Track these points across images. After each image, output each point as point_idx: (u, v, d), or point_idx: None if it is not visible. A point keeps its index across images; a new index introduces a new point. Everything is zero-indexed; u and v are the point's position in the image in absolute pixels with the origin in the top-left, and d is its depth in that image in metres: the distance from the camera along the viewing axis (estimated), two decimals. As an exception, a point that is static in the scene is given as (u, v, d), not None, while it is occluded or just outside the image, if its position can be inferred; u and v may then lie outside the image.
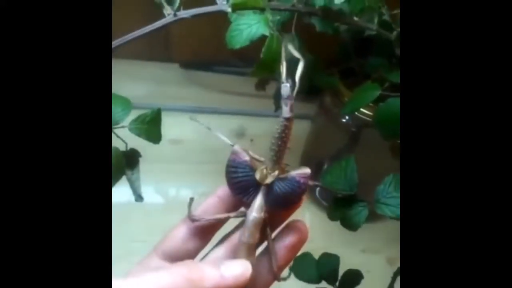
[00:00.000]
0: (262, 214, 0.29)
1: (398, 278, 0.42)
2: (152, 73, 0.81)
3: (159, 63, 0.83)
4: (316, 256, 0.42)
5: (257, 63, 0.34)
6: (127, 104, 0.36)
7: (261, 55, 0.34)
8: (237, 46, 0.35)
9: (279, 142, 0.28)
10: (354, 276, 0.41)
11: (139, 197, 0.39)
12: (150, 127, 0.37)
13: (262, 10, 0.35)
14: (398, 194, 0.35)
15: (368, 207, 0.36)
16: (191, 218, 0.29)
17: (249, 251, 0.28)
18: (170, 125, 0.79)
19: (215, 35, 0.38)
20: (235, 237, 0.30)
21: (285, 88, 0.28)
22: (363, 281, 0.41)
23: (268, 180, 0.29)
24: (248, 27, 0.35)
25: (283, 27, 0.41)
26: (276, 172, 0.29)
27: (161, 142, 0.38)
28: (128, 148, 0.37)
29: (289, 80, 0.28)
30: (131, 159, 0.38)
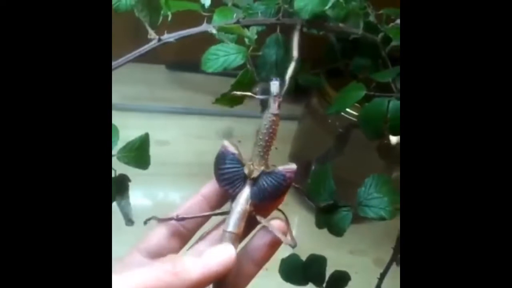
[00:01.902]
0: (248, 207, 0.29)
1: (385, 279, 0.42)
2: (138, 74, 0.80)
3: (145, 64, 0.82)
4: (304, 258, 0.42)
5: (223, 94, 0.35)
6: (115, 133, 0.36)
7: (230, 87, 0.35)
8: (210, 70, 0.36)
9: (266, 138, 0.30)
10: (341, 278, 0.41)
11: (129, 221, 0.38)
12: (138, 153, 0.37)
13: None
14: (380, 195, 0.36)
15: (352, 210, 0.37)
16: (177, 217, 0.30)
17: (232, 240, 0.29)
18: (157, 127, 0.78)
19: (201, 37, 0.38)
20: (216, 233, 0.30)
21: (274, 85, 0.29)
22: (350, 282, 0.41)
23: (255, 174, 0.30)
24: (226, 55, 0.36)
25: (269, 27, 0.40)
26: (262, 167, 0.30)
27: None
28: (117, 174, 0.37)
29: (278, 78, 0.29)
30: (121, 185, 0.38)
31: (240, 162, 0.30)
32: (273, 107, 0.29)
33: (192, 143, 0.74)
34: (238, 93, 0.32)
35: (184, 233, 0.30)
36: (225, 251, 0.26)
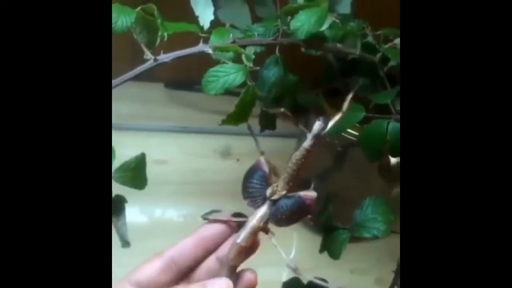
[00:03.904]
0: (261, 224, 0.31)
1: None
2: (136, 92, 0.80)
3: (143, 82, 0.82)
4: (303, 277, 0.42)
5: (229, 114, 0.36)
6: (112, 153, 0.36)
7: (235, 107, 0.35)
8: (212, 92, 0.36)
9: (295, 168, 0.31)
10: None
11: (125, 243, 0.38)
12: (135, 173, 0.36)
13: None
14: (375, 216, 0.37)
15: (349, 232, 0.37)
16: (203, 217, 0.32)
17: (240, 252, 0.30)
18: (155, 146, 0.78)
19: (200, 55, 0.38)
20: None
21: (317, 126, 0.31)
22: (352, 304, 0.41)
23: (276, 196, 0.31)
24: (226, 75, 0.36)
25: (268, 48, 0.41)
26: (284, 192, 0.31)
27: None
28: (113, 194, 0.36)
29: (324, 120, 0.31)
30: (117, 205, 0.37)
31: (266, 181, 0.32)
32: (308, 143, 0.31)
33: (190, 161, 0.73)
34: (274, 110, 0.35)
35: (175, 271, 0.31)
36: (225, 284, 0.28)
